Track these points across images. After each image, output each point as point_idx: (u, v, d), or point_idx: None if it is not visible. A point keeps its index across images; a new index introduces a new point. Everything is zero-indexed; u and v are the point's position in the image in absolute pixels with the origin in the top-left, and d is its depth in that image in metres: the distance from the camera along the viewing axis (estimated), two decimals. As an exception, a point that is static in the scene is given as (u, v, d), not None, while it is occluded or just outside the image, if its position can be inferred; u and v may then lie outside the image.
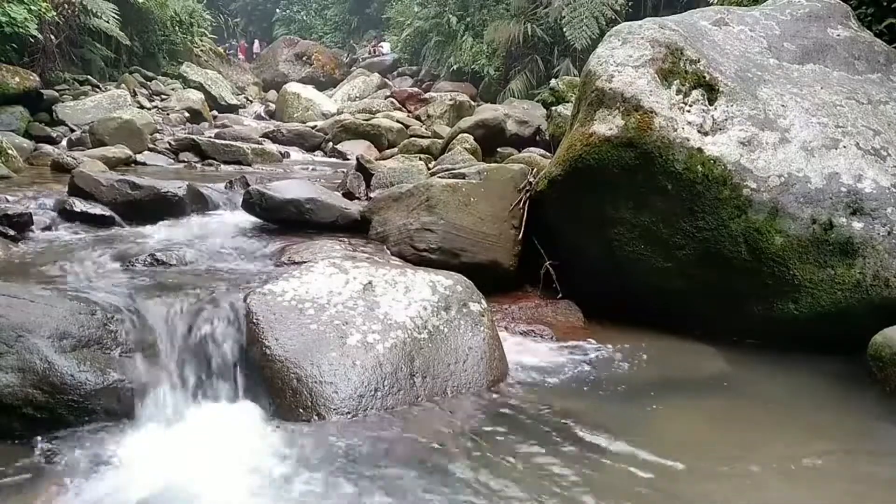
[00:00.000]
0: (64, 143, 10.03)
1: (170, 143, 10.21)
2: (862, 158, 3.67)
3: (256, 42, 33.71)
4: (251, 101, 20.60)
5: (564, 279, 4.24)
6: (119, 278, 3.46)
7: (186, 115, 14.65)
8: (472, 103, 15.59)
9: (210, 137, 10.99)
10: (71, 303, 2.76)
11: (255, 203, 4.70)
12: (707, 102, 3.80)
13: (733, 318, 3.78)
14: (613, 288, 4.06)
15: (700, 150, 3.63)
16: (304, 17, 34.08)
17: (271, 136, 12.36)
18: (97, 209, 4.76)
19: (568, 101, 8.87)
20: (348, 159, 10.50)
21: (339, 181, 6.45)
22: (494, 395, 3.02)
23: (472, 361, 3.10)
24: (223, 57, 23.25)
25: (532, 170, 4.91)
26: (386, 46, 27.90)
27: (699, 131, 3.68)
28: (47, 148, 8.93)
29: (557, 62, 17.15)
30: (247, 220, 4.87)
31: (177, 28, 19.51)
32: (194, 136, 10.62)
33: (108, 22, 15.35)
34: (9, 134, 9.06)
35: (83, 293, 2.97)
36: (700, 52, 3.94)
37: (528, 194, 4.46)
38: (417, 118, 15.01)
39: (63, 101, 12.26)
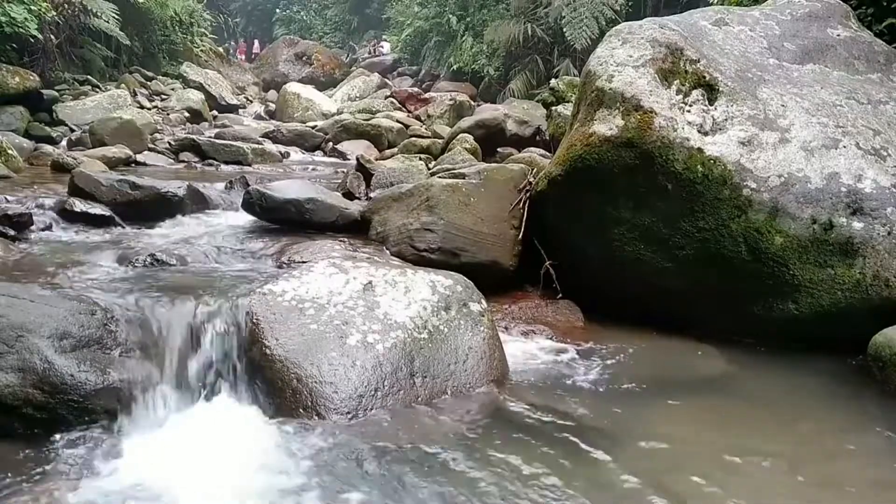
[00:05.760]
0: (64, 143, 10.03)
1: (170, 143, 10.21)
2: (862, 158, 3.67)
3: (256, 42, 33.68)
4: (251, 101, 20.57)
5: (564, 279, 4.24)
6: (119, 278, 3.46)
7: (186, 115, 14.65)
8: (472, 103, 15.59)
9: (210, 137, 10.99)
10: (71, 303, 2.76)
11: (255, 203, 4.69)
12: (707, 102, 3.80)
13: (733, 318, 3.78)
14: (613, 288, 4.06)
15: (700, 150, 3.63)
16: (304, 17, 34.06)
17: (271, 136, 12.35)
18: (97, 209, 4.76)
19: (568, 101, 8.86)
20: (348, 159, 10.49)
21: (339, 181, 6.45)
22: (494, 396, 3.02)
23: (472, 361, 3.10)
24: (223, 57, 23.23)
25: (532, 170, 4.91)
26: (386, 46, 27.90)
27: (699, 131, 3.68)
28: (47, 148, 8.93)
29: (557, 62, 17.15)
30: (247, 220, 4.87)
31: (177, 28, 19.49)
32: (194, 136, 10.62)
33: (108, 22, 15.34)
34: (9, 134, 9.06)
35: (83, 293, 2.97)
36: (700, 52, 3.94)
37: (528, 194, 4.46)
38: (417, 118, 15.00)
39: (63, 101, 12.26)
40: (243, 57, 30.85)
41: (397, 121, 13.70)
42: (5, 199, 4.92)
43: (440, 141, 10.82)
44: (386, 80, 22.24)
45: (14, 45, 11.83)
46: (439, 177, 4.99)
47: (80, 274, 3.52)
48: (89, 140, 9.41)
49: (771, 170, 3.62)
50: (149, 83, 16.77)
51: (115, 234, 4.60)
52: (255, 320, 2.88)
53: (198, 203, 5.29)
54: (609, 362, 3.47)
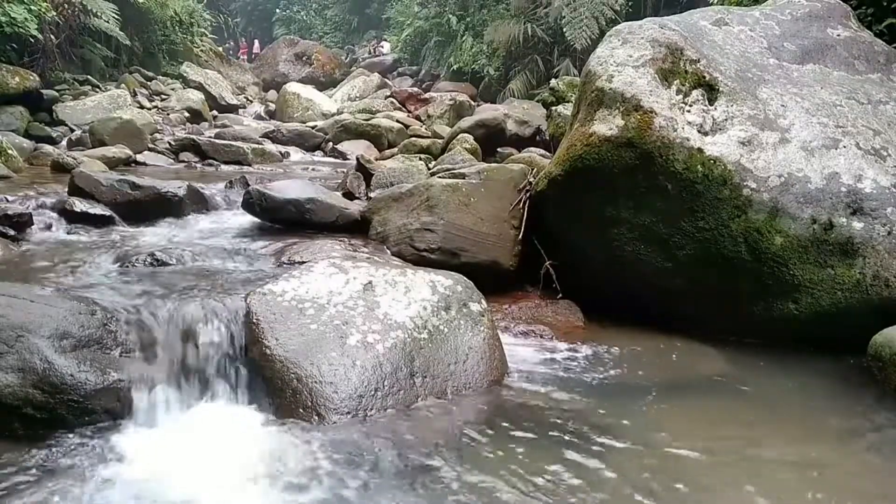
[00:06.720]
0: (64, 143, 10.03)
1: (170, 143, 10.21)
2: (862, 158, 3.67)
3: (256, 42, 33.69)
4: (251, 101, 20.57)
5: (564, 279, 4.24)
6: (119, 278, 3.46)
7: (186, 115, 14.64)
8: (472, 103, 15.58)
9: (210, 137, 10.99)
10: (71, 303, 2.76)
11: (255, 203, 4.70)
12: (707, 102, 3.80)
13: (733, 318, 3.78)
14: (613, 288, 4.06)
15: (700, 150, 3.63)
16: (304, 17, 34.06)
17: (271, 136, 12.35)
18: (97, 209, 4.76)
19: (568, 101, 8.86)
20: (348, 159, 10.50)
21: (339, 181, 6.45)
22: (494, 396, 3.02)
23: (472, 361, 3.10)
24: (223, 57, 23.23)
25: (532, 170, 4.91)
26: (386, 46, 27.90)
27: (699, 131, 3.68)
28: (47, 148, 8.92)
29: (557, 62, 17.14)
30: (247, 220, 4.87)
31: (177, 28, 19.48)
32: (194, 136, 10.62)
33: (108, 22, 15.34)
34: (9, 134, 9.06)
35: (83, 293, 2.97)
36: (700, 52, 3.94)
37: (528, 194, 4.46)
38: (417, 118, 15.00)
39: (63, 101, 12.26)
40: (245, 57, 30.85)
41: (397, 121, 13.70)
42: (5, 199, 4.93)
43: (440, 141, 10.82)
44: (386, 80, 22.24)
45: (14, 45, 11.83)
46: (439, 177, 4.99)
47: (80, 274, 3.52)
48: (89, 140, 9.41)
49: (771, 170, 3.63)
50: (149, 83, 16.76)
51: (115, 233, 4.60)
52: (255, 320, 2.88)
53: (198, 203, 5.29)
54: (609, 362, 3.47)
